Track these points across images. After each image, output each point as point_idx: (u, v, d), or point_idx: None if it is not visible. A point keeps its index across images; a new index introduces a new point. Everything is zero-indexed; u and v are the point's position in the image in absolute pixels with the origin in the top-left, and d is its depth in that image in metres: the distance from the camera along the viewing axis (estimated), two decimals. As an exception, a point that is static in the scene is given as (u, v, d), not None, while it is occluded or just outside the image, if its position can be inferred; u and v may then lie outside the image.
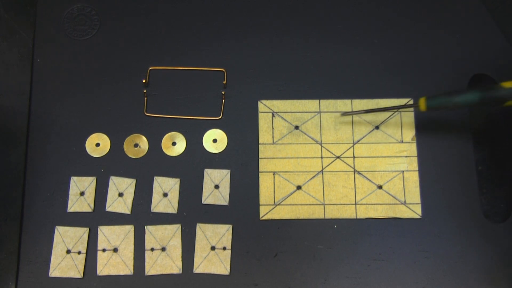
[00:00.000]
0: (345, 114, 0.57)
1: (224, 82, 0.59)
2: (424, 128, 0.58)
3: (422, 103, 0.53)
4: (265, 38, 0.61)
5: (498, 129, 0.60)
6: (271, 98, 0.59)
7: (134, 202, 0.55)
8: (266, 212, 0.55)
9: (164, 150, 0.57)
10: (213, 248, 0.54)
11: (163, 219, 0.55)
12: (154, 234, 0.54)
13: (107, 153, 0.57)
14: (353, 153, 0.57)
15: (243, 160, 0.57)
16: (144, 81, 0.58)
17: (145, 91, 0.58)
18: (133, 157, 0.57)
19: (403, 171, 0.56)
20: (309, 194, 0.56)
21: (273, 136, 0.57)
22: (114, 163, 0.57)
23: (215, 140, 0.57)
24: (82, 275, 0.53)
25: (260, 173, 0.56)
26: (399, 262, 0.54)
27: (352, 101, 0.58)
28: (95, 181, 0.56)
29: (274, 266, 0.54)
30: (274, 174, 0.56)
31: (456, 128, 0.58)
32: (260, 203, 0.55)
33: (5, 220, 0.55)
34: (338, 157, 0.57)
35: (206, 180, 0.56)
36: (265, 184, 0.56)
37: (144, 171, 0.56)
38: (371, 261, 0.54)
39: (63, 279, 0.53)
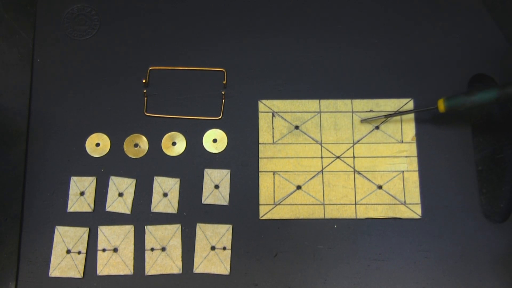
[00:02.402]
0: (364, 120, 0.57)
1: (224, 82, 0.59)
2: (424, 128, 0.58)
3: (441, 104, 0.54)
4: (265, 38, 0.61)
5: (498, 129, 0.60)
6: (271, 98, 0.59)
7: (134, 202, 0.55)
8: (266, 212, 0.55)
9: (164, 150, 0.57)
10: (213, 248, 0.54)
11: (163, 219, 0.55)
12: (154, 234, 0.54)
13: (107, 153, 0.57)
14: (353, 153, 0.57)
15: (243, 160, 0.57)
16: (144, 81, 0.58)
17: (145, 91, 0.58)
18: (133, 157, 0.57)
19: (403, 171, 0.56)
20: (309, 194, 0.56)
21: (273, 136, 0.57)
22: (114, 163, 0.57)
23: (215, 140, 0.57)
24: (82, 275, 0.53)
25: (260, 173, 0.56)
26: (399, 262, 0.54)
27: (352, 101, 0.58)
28: (95, 181, 0.56)
29: (274, 266, 0.54)
30: (274, 174, 0.56)
31: (456, 128, 0.58)
32: (260, 203, 0.55)
33: (5, 220, 0.55)
34: (338, 157, 0.57)
35: (206, 180, 0.56)
36: (265, 184, 0.56)
37: (144, 171, 0.56)
38: (371, 261, 0.54)
39: (63, 279, 0.53)
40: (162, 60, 0.60)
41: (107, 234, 0.54)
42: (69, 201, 0.55)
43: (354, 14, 0.61)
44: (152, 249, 0.54)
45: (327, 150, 0.57)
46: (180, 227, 0.55)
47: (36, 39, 0.60)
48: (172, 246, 0.54)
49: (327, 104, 0.58)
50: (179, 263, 0.54)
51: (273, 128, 0.58)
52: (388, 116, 0.57)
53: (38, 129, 0.57)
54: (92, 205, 0.55)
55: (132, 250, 0.54)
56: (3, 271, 0.54)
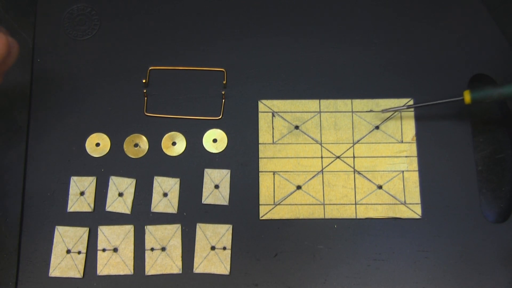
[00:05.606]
0: (386, 111, 0.57)
1: (224, 82, 0.59)
2: (424, 128, 0.58)
3: (467, 96, 0.53)
4: (265, 38, 0.61)
5: (498, 129, 0.60)
6: (271, 98, 0.59)
7: (134, 202, 0.55)
8: (266, 212, 0.55)
9: (164, 150, 0.57)
10: (213, 248, 0.54)
11: (163, 219, 0.55)
12: (154, 234, 0.54)
13: (107, 153, 0.57)
14: (353, 153, 0.57)
15: (243, 160, 0.57)
16: (144, 81, 0.58)
17: (145, 91, 0.58)
18: (133, 157, 0.57)
19: (403, 171, 0.56)
20: (309, 194, 0.56)
21: (273, 136, 0.57)
22: (114, 163, 0.57)
23: (215, 140, 0.57)
24: (82, 275, 0.53)
25: (260, 173, 0.56)
26: (399, 262, 0.54)
27: (352, 101, 0.58)
28: (95, 181, 0.56)
29: (274, 266, 0.54)
30: (274, 174, 0.56)
31: (456, 128, 0.58)
32: (260, 203, 0.55)
33: (5, 220, 0.55)
34: (338, 157, 0.57)
35: (206, 180, 0.56)
36: (265, 184, 0.56)
37: (144, 171, 0.56)
38: (371, 261, 0.54)
39: (63, 279, 0.53)
40: (162, 60, 0.60)
41: (107, 234, 0.54)
42: (69, 201, 0.55)
43: (354, 14, 0.61)
44: (152, 249, 0.54)
45: (327, 150, 0.57)
46: (180, 227, 0.55)
47: (36, 39, 0.60)
48: (172, 246, 0.54)
49: (327, 104, 0.58)
50: (179, 263, 0.54)
51: (273, 128, 0.58)
52: (411, 107, 0.56)
53: (38, 129, 0.57)
54: (92, 205, 0.55)
55: (132, 250, 0.54)
56: (3, 271, 0.54)
